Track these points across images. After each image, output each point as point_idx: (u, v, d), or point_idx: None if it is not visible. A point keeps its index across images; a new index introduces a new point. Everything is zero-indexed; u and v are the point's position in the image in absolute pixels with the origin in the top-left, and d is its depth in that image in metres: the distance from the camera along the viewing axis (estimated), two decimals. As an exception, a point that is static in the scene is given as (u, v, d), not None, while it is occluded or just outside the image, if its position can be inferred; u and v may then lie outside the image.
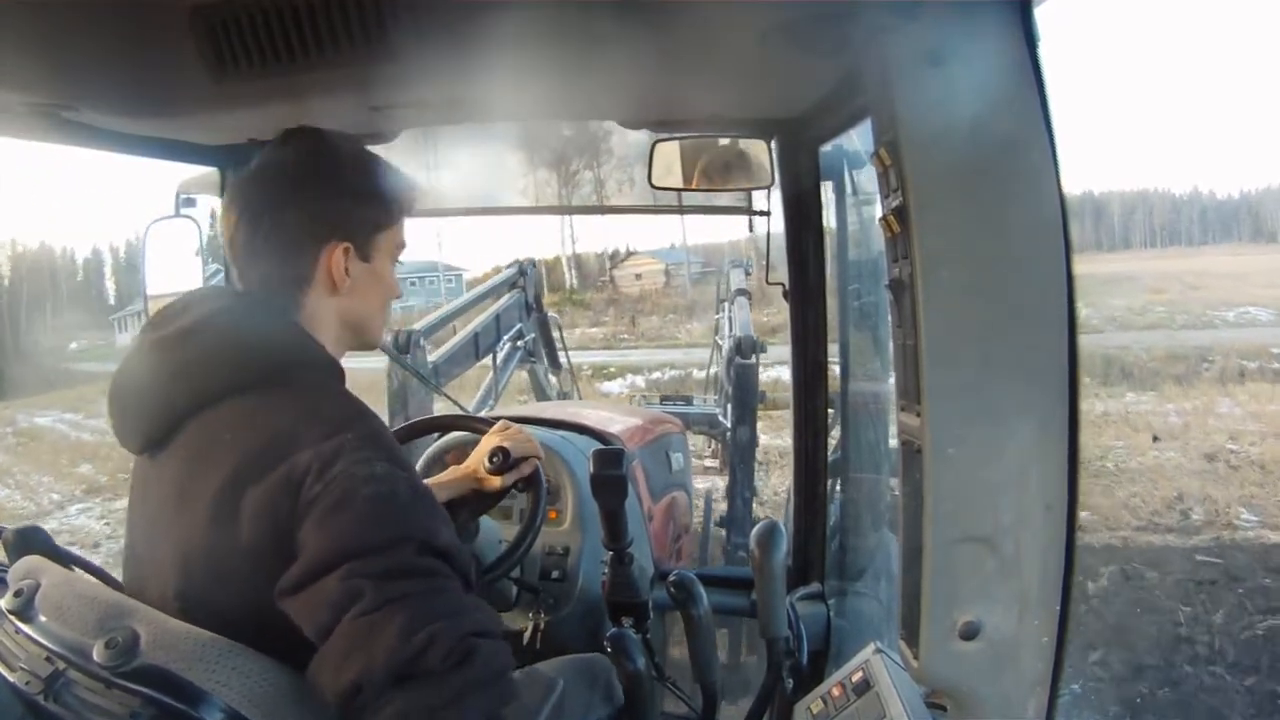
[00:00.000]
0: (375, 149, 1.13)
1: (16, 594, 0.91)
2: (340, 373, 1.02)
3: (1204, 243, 37.58)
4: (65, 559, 1.05)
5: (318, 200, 1.01)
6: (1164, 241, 39.77)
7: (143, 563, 0.98)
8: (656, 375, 14.80)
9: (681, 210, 2.08)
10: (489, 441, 1.44)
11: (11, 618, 0.89)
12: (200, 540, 0.88)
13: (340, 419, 0.91)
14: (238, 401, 0.93)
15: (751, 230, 1.92)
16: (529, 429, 1.53)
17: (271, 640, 0.86)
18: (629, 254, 33.82)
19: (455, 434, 1.94)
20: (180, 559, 0.90)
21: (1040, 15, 0.88)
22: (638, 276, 32.00)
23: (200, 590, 0.89)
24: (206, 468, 0.90)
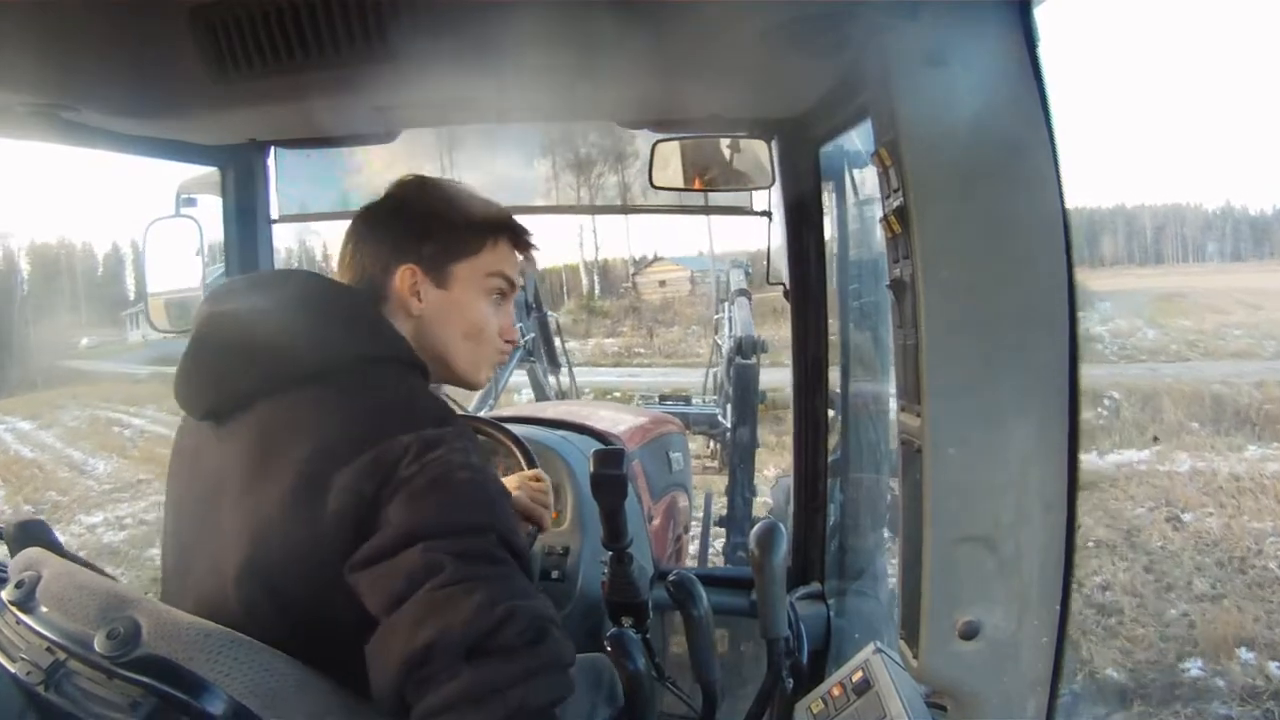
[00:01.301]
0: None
1: (18, 585, 0.90)
2: (426, 372, 1.05)
3: (1236, 258, 37.08)
4: (64, 554, 1.05)
5: (398, 225, 1.09)
6: (1196, 256, 39.44)
7: (193, 535, 0.98)
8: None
9: (681, 210, 2.08)
10: (509, 484, 1.45)
11: (13, 609, 0.89)
12: (277, 513, 0.88)
13: (441, 414, 0.95)
14: (323, 386, 0.94)
15: (750, 230, 1.92)
16: (531, 430, 1.53)
17: (322, 625, 0.87)
18: (654, 260, 32.76)
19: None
20: (251, 529, 0.90)
21: (1041, 15, 0.89)
22: (661, 283, 31.06)
23: (267, 563, 0.89)
24: (290, 444, 0.90)
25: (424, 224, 1.09)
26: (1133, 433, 10.59)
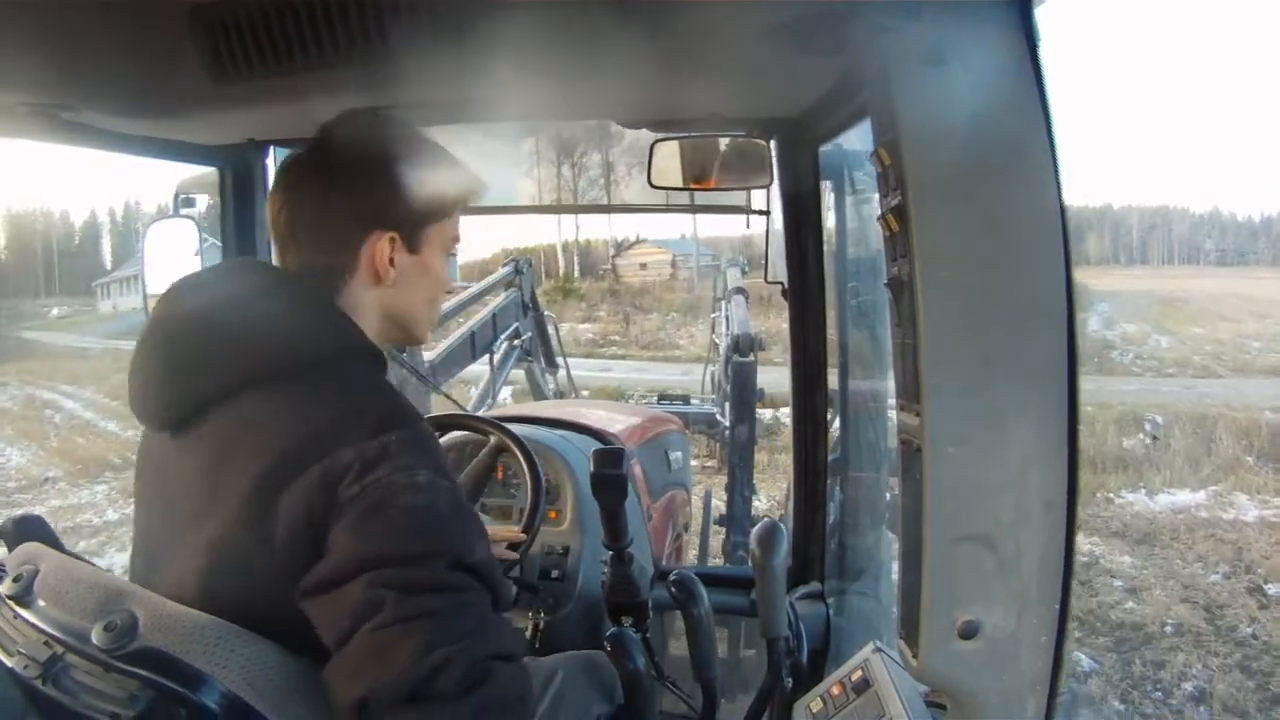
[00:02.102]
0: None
1: (15, 579, 0.90)
2: (384, 363, 0.99)
3: (1223, 263, 36.78)
4: (63, 550, 1.05)
5: (365, 186, 0.97)
6: (1183, 259, 39.28)
7: (161, 546, 0.95)
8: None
9: (680, 209, 2.09)
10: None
11: (10, 603, 0.89)
12: (230, 533, 0.86)
13: (386, 417, 0.88)
14: (274, 390, 0.90)
15: (749, 228, 1.92)
16: (531, 429, 1.53)
17: (291, 638, 0.85)
18: (636, 241, 30.73)
19: (455, 434, 1.94)
20: (207, 548, 0.87)
21: (1041, 15, 0.89)
22: (642, 266, 29.43)
23: (225, 581, 0.86)
24: (240, 459, 0.87)
25: (404, 185, 0.98)
26: (1184, 469, 9.37)
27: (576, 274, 28.85)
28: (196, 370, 0.92)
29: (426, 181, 1.00)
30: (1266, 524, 7.74)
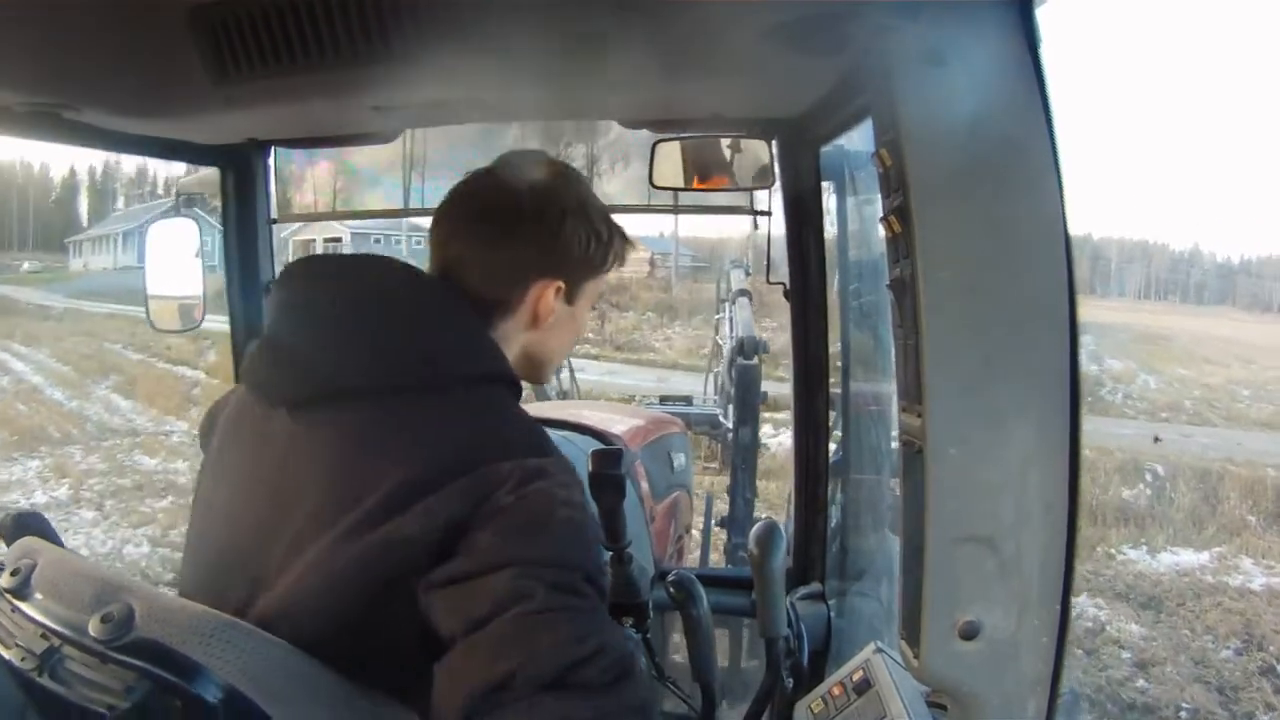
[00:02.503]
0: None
1: (13, 573, 0.90)
2: (521, 392, 1.01)
3: (1199, 302, 36.85)
4: (62, 545, 1.05)
5: (550, 237, 1.00)
6: (1159, 295, 39.28)
7: (255, 521, 0.91)
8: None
9: (681, 210, 2.08)
10: None
11: (8, 597, 0.89)
12: (355, 528, 0.84)
13: (542, 444, 0.90)
14: (425, 398, 0.90)
15: (756, 228, 1.92)
16: None
17: (372, 637, 0.84)
18: None
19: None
20: (322, 539, 0.85)
21: (1042, 15, 0.88)
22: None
23: (331, 572, 0.84)
24: (376, 461, 0.86)
25: (577, 239, 1.01)
26: (1187, 526, 9.14)
27: None
28: (348, 360, 0.90)
29: (601, 236, 1.04)
30: (1274, 593, 7.51)
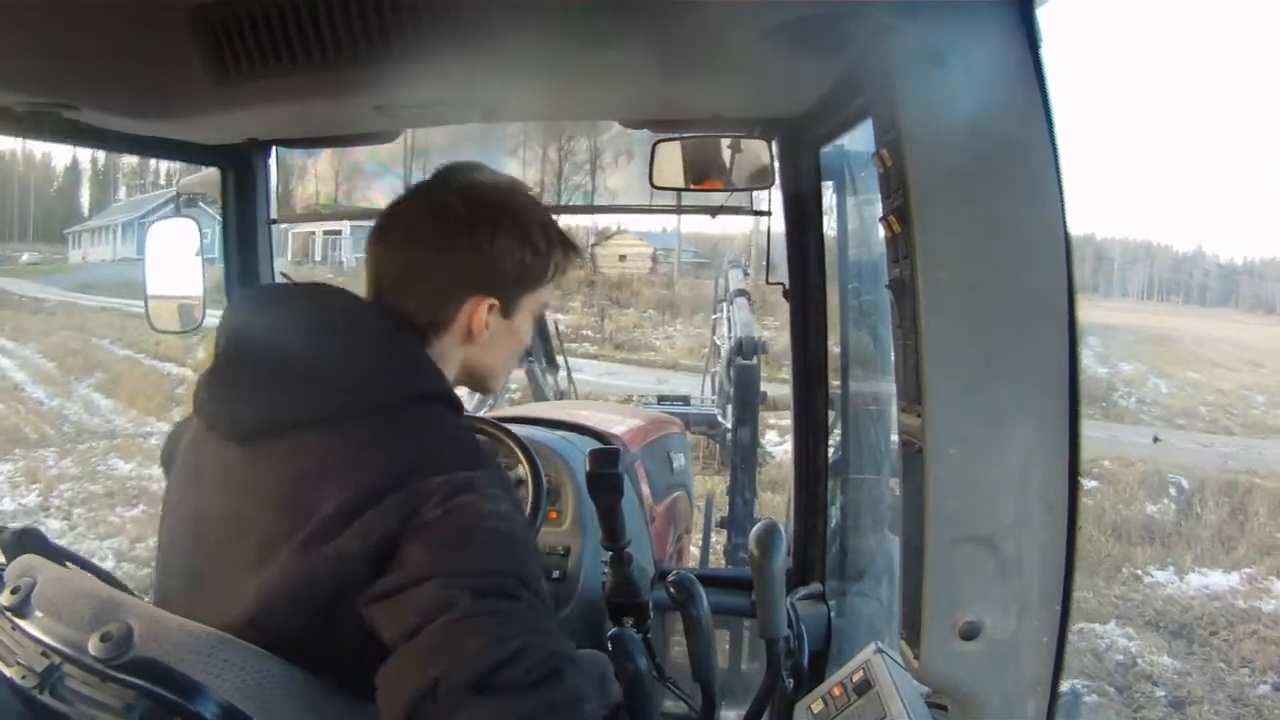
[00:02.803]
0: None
1: (13, 591, 0.91)
2: (462, 410, 1.02)
3: (1201, 303, 36.23)
4: (60, 556, 1.05)
5: (480, 251, 0.99)
6: (1161, 296, 38.94)
7: (219, 552, 0.94)
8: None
9: (680, 210, 2.08)
10: None
11: (8, 614, 0.90)
12: (301, 548, 0.87)
13: (473, 456, 0.92)
14: (363, 424, 0.91)
15: (757, 227, 1.92)
16: (531, 430, 1.53)
17: (335, 648, 0.86)
18: (617, 232, 28.68)
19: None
20: (272, 562, 0.88)
21: (1042, 15, 0.88)
22: (621, 257, 27.49)
23: (285, 592, 0.87)
24: (326, 486, 0.88)
25: (510, 255, 1.01)
26: (1216, 546, 8.67)
27: None
28: (290, 394, 0.93)
29: (537, 249, 1.02)
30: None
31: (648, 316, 21.78)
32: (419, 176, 1.08)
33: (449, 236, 0.99)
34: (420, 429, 0.93)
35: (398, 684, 0.79)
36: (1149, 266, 41.08)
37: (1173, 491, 9.92)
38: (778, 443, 8.51)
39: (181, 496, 1.03)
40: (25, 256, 31.46)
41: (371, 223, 1.07)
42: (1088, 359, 16.77)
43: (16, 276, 26.49)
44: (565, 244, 1.07)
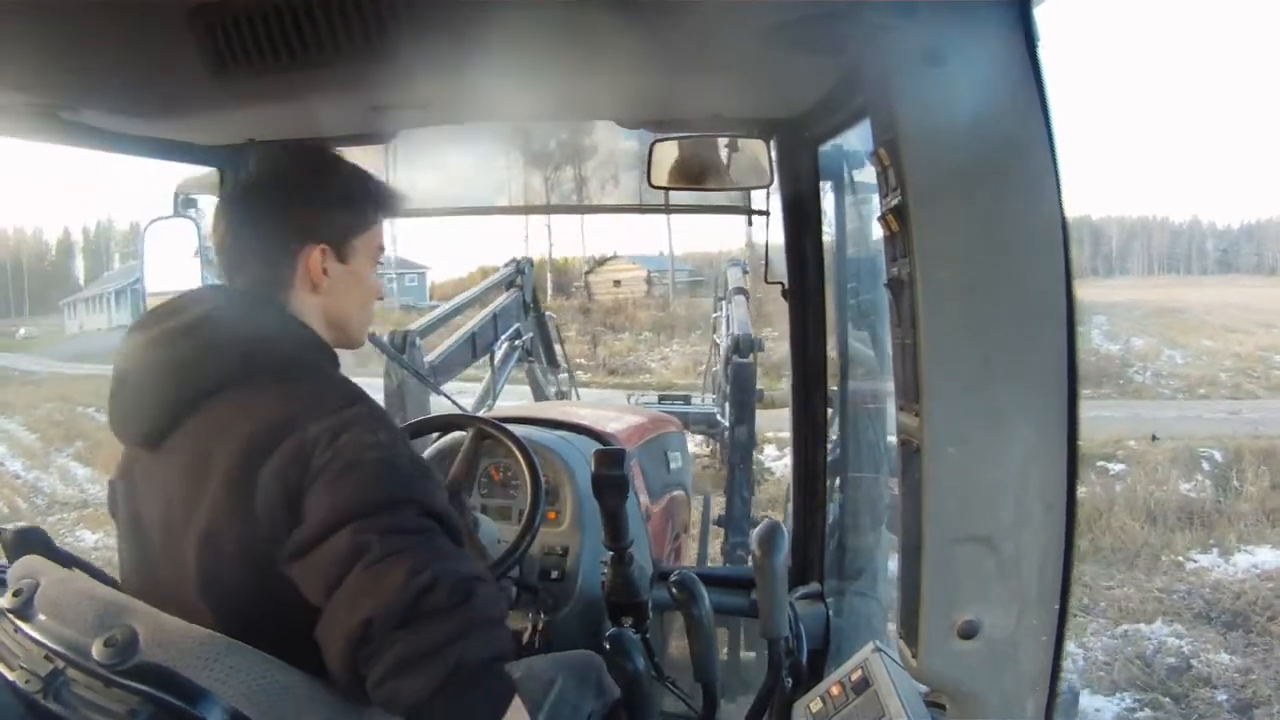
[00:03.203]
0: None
1: (16, 593, 0.91)
2: (336, 359, 1.09)
3: (1202, 273, 36.27)
4: (64, 559, 1.05)
5: (289, 207, 1.08)
6: (1163, 269, 38.75)
7: (154, 553, 1.00)
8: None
9: (678, 210, 2.08)
10: None
11: (11, 617, 0.89)
12: (218, 520, 0.92)
13: (346, 398, 0.98)
14: (243, 389, 0.98)
15: (750, 224, 1.92)
16: (531, 430, 1.53)
17: (283, 621, 0.89)
18: (610, 257, 29.11)
19: (456, 434, 1.94)
20: (200, 541, 0.93)
21: (1040, 15, 0.89)
22: (616, 283, 27.92)
23: (219, 569, 0.92)
24: (218, 453, 0.94)
25: (328, 201, 1.09)
26: (1261, 520, 7.91)
27: (549, 292, 25.59)
28: (172, 382, 1.00)
29: (344, 196, 1.10)
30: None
31: (643, 339, 21.57)
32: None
33: (260, 206, 1.08)
34: (300, 382, 1.00)
35: (333, 635, 0.85)
36: (1147, 243, 40.89)
37: (1206, 466, 9.23)
38: (776, 457, 8.31)
39: (124, 519, 1.08)
40: (22, 331, 30.98)
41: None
42: (1097, 338, 16.70)
43: (12, 351, 26.23)
44: (380, 190, 1.15)
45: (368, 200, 1.13)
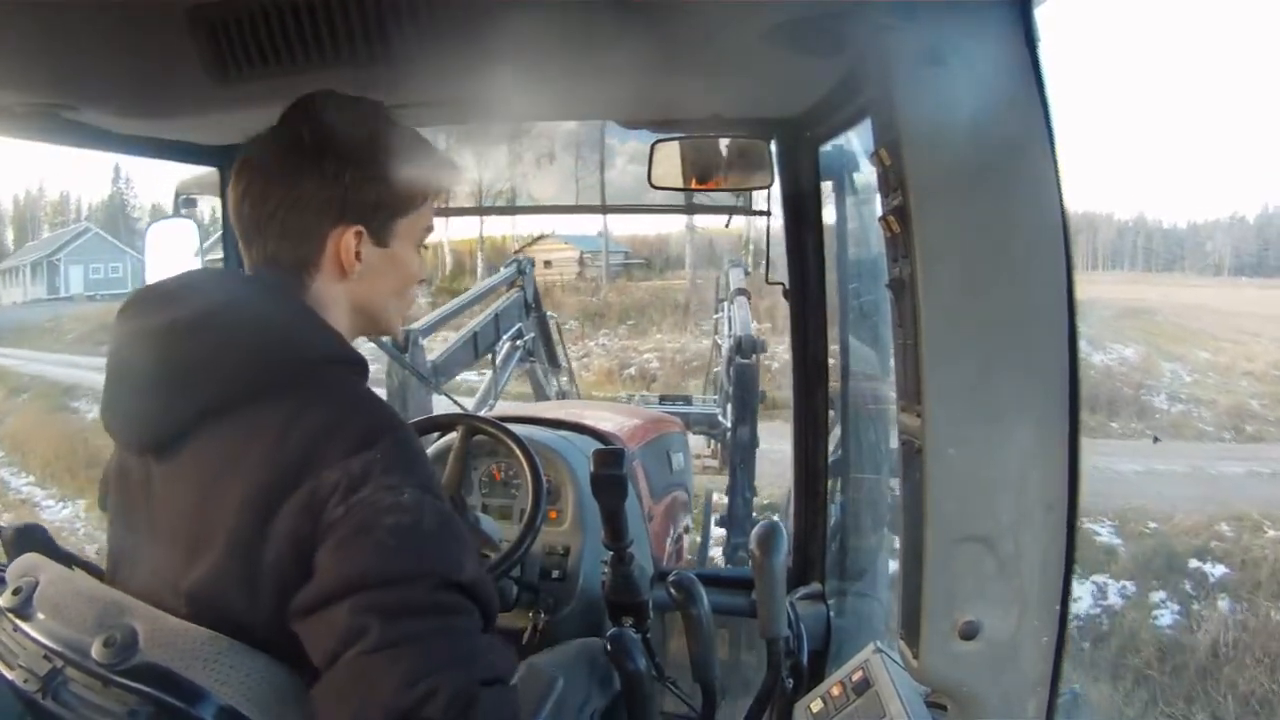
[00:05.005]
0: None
1: (15, 591, 0.90)
2: (365, 368, 0.96)
3: (1147, 269, 35.44)
4: (64, 557, 1.05)
5: (332, 177, 0.93)
6: (1106, 266, 37.55)
7: (146, 569, 0.93)
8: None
9: (679, 210, 2.08)
10: None
11: (9, 615, 0.89)
12: (222, 562, 0.85)
13: (370, 431, 0.86)
14: (256, 408, 0.87)
15: (750, 227, 1.91)
16: (531, 430, 1.53)
17: (289, 654, 0.85)
18: (540, 236, 26.08)
19: (453, 435, 1.94)
20: (200, 580, 0.86)
21: (1041, 15, 0.88)
22: (546, 264, 23.49)
23: (216, 608, 0.85)
24: (229, 487, 0.85)
25: (372, 176, 0.94)
26: None
27: (479, 273, 22.62)
28: (178, 389, 0.89)
29: (402, 171, 0.96)
30: None
31: (568, 329, 19.52)
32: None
33: (297, 169, 0.94)
34: (318, 404, 0.88)
35: (322, 715, 0.80)
36: (1092, 236, 40.47)
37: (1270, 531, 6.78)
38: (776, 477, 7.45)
39: (120, 525, 1.01)
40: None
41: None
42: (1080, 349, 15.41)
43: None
44: (439, 165, 1.02)
45: (424, 178, 0.98)
